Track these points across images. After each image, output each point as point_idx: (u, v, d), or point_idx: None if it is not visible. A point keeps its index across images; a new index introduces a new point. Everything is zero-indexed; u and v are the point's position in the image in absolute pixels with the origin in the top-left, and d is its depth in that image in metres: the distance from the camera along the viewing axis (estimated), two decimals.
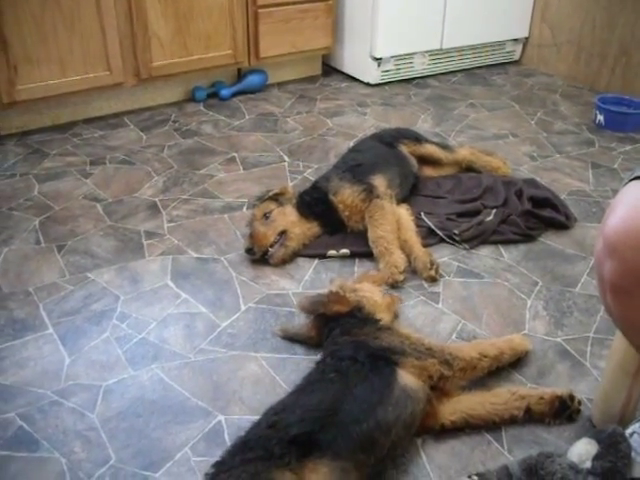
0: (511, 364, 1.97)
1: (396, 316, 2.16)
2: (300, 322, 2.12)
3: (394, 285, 2.33)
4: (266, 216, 2.49)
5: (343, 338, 1.84)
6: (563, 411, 1.79)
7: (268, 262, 2.45)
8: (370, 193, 2.56)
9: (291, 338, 2.09)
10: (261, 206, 2.55)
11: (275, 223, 2.48)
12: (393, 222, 2.49)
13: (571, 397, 1.80)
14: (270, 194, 2.57)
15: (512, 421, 1.78)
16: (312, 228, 2.57)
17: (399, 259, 2.37)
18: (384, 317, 1.99)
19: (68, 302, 2.25)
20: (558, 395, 1.80)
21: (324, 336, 1.95)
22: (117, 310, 2.21)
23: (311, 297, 2.09)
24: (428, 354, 1.75)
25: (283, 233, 2.49)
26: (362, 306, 1.98)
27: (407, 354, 1.73)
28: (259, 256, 2.44)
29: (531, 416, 1.79)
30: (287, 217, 2.53)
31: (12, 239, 2.58)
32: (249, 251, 2.44)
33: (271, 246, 2.45)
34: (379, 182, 2.63)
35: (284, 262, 2.47)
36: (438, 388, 1.76)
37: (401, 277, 2.34)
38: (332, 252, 2.50)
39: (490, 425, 1.77)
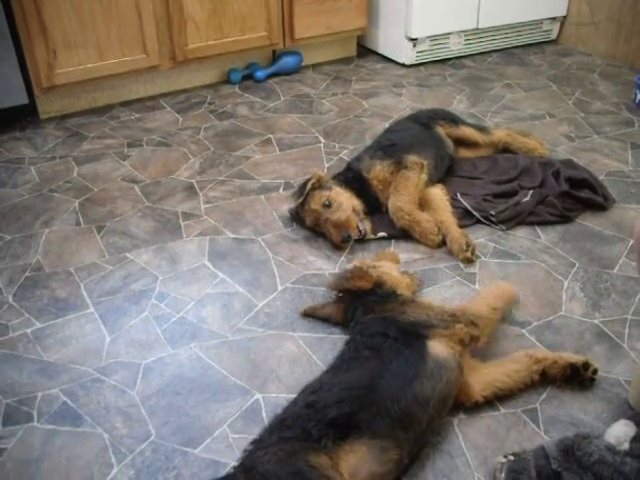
0: (548, 346, 1.97)
1: (414, 293, 2.16)
2: (325, 301, 2.15)
3: (439, 246, 2.42)
4: (326, 204, 2.45)
5: (369, 316, 1.86)
6: (574, 378, 1.82)
7: (306, 242, 2.48)
8: (399, 164, 2.57)
9: (316, 317, 2.12)
10: (314, 199, 2.47)
11: (343, 205, 2.45)
12: (413, 192, 2.51)
13: (585, 366, 1.82)
14: (309, 185, 2.48)
15: (532, 385, 1.82)
16: (361, 203, 2.57)
17: (427, 225, 2.43)
18: (404, 293, 2.01)
19: (108, 282, 2.29)
20: (571, 362, 1.82)
21: (349, 316, 1.97)
22: (156, 290, 2.25)
23: (337, 274, 2.11)
24: (454, 320, 1.78)
25: (354, 210, 2.49)
26: (383, 282, 2.00)
27: (434, 325, 1.75)
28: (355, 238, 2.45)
29: (545, 379, 1.83)
30: (345, 195, 2.51)
31: (53, 220, 2.63)
32: (347, 239, 2.41)
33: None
34: (411, 157, 2.63)
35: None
36: (467, 355, 1.79)
37: (439, 239, 2.42)
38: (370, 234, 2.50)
39: (516, 393, 1.81)
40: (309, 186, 2.48)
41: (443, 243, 2.44)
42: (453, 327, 1.76)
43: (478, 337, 1.80)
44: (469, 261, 2.36)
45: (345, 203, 2.46)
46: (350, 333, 1.90)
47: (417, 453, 1.62)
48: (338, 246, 2.44)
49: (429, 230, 2.43)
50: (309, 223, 2.51)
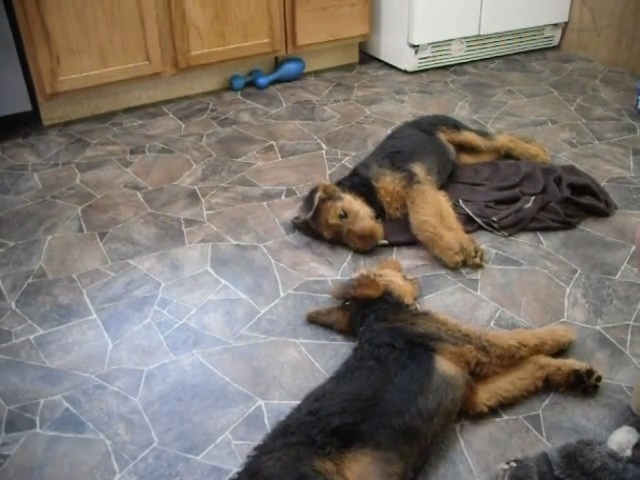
0: (552, 354, 1.96)
1: (416, 299, 2.17)
2: (330, 307, 2.14)
3: (454, 268, 2.34)
4: (342, 216, 2.42)
5: (379, 324, 1.85)
6: (577, 385, 1.82)
7: (308, 249, 2.48)
8: (411, 180, 2.56)
9: (320, 322, 2.11)
10: (330, 212, 2.42)
11: (360, 213, 2.43)
12: (435, 206, 2.46)
13: (589, 373, 1.81)
14: (317, 198, 2.43)
15: (535, 392, 1.83)
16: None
17: (451, 241, 2.35)
18: (410, 301, 2.02)
19: (110, 288, 2.29)
20: (575, 369, 1.81)
21: (357, 323, 1.97)
22: (158, 296, 2.25)
23: (342, 283, 2.11)
24: (465, 340, 1.76)
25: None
26: (391, 290, 2.00)
27: (444, 340, 1.74)
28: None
29: (549, 385, 1.83)
30: (358, 202, 2.49)
31: (56, 227, 2.64)
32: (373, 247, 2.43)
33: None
34: (418, 169, 2.62)
35: None
36: (475, 374, 1.77)
37: (459, 258, 2.34)
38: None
39: (520, 400, 1.81)
40: (317, 199, 2.43)
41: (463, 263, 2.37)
42: (462, 346, 1.74)
43: (484, 364, 1.77)
44: (478, 267, 2.35)
45: (362, 211, 2.44)
46: (358, 339, 1.90)
47: (421, 467, 1.62)
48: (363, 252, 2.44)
49: (449, 245, 2.34)
50: (327, 236, 2.47)
